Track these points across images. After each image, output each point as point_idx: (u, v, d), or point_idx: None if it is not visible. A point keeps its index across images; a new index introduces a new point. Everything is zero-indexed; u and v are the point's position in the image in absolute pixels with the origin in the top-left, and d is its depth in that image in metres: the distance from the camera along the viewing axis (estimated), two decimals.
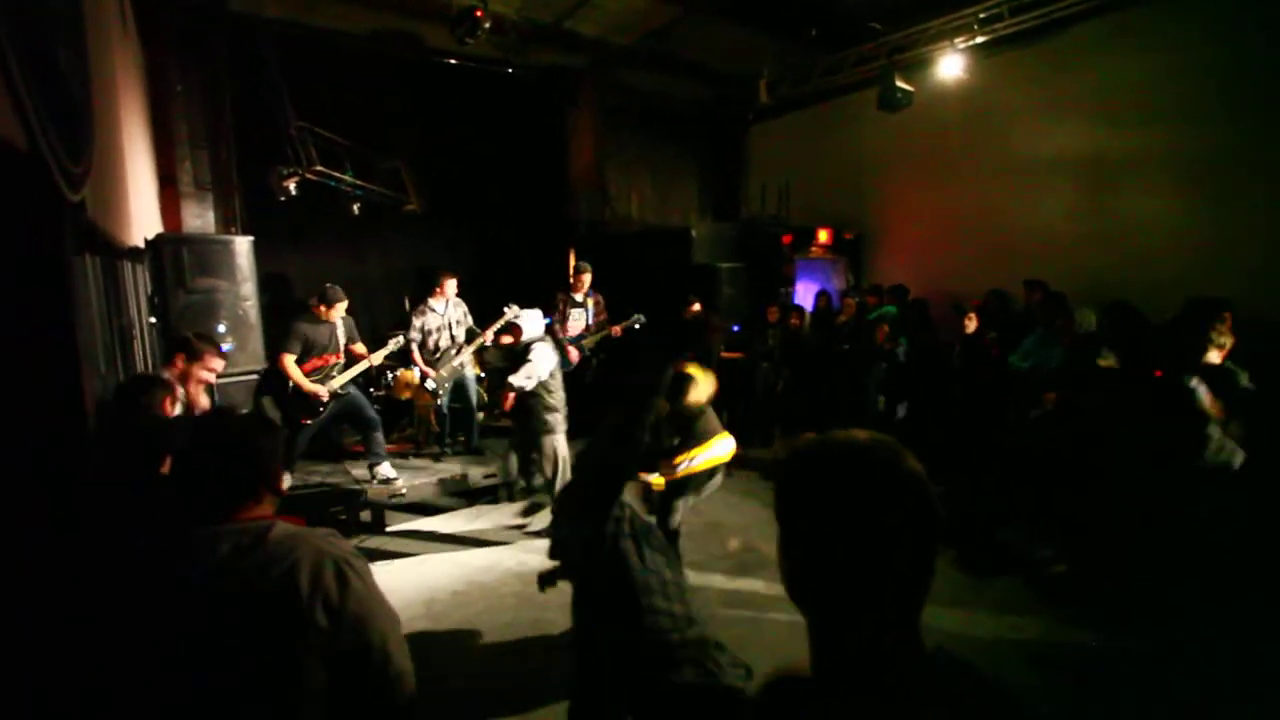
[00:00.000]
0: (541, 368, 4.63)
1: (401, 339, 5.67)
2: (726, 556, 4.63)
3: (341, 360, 5.20)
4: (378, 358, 5.39)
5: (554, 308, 6.41)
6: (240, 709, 1.21)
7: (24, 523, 1.49)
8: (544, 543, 4.59)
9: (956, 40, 6.39)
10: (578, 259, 8.55)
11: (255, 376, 4.83)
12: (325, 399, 5.02)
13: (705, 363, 5.16)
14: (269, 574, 1.19)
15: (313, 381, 4.99)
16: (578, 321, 6.50)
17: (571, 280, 6.52)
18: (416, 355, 5.75)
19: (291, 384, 4.95)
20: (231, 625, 1.18)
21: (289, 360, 4.92)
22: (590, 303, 6.56)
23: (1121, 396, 4.09)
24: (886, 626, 0.76)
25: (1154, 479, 3.76)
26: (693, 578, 4.25)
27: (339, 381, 5.11)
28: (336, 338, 5.16)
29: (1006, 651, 3.30)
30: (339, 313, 5.13)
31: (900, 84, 6.58)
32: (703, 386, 3.82)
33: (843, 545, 0.75)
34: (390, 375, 6.46)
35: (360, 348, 5.32)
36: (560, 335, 6.40)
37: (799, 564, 0.81)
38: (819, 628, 0.81)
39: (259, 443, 1.37)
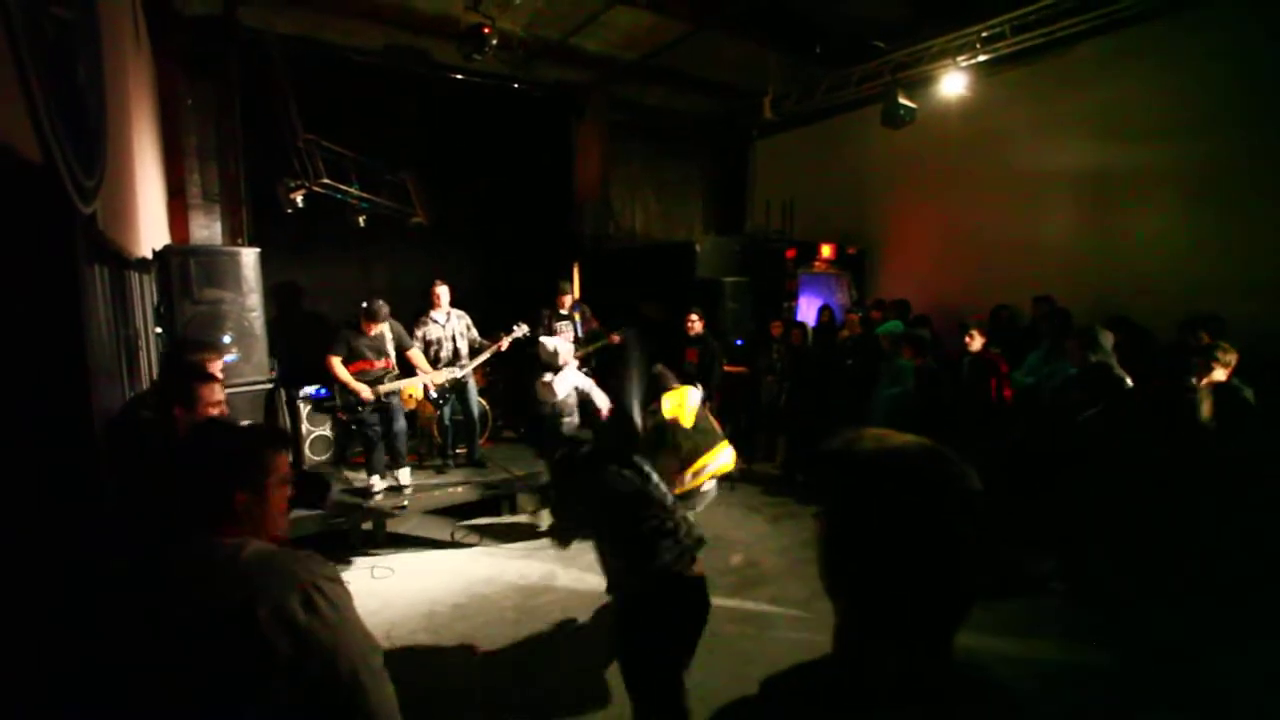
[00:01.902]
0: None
1: (419, 343, 5.73)
2: (729, 572, 4.61)
3: (394, 368, 5.27)
4: (440, 377, 5.54)
5: (540, 323, 6.49)
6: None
7: (31, 534, 1.49)
8: (545, 557, 4.58)
9: (959, 58, 6.43)
10: (582, 273, 8.61)
11: (265, 386, 4.84)
12: (368, 398, 5.05)
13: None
14: (234, 596, 1.15)
15: (359, 382, 5.06)
16: (566, 334, 6.59)
17: (556, 300, 6.69)
18: (422, 365, 5.76)
19: (337, 384, 5.03)
20: (193, 647, 1.14)
21: (335, 361, 5.01)
22: (576, 315, 6.65)
23: (1131, 410, 4.10)
24: (917, 630, 0.76)
25: (1155, 491, 3.76)
26: None
27: (387, 388, 5.17)
28: (386, 347, 5.24)
29: (1012, 670, 3.27)
30: (381, 328, 5.21)
31: (904, 101, 6.63)
32: (678, 402, 4.03)
33: (889, 546, 0.75)
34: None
35: (417, 356, 5.48)
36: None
37: (840, 557, 0.81)
38: (849, 621, 0.81)
39: (237, 459, 1.31)
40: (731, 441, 6.79)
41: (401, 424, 5.34)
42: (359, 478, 5.54)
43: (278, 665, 1.13)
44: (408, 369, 5.49)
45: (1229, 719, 2.92)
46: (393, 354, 5.29)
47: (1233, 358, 3.71)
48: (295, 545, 1.34)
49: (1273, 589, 3.25)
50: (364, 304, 5.18)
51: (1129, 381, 4.26)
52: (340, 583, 1.26)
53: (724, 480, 6.40)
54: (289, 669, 1.14)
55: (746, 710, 0.83)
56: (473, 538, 5.26)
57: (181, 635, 1.15)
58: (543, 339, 5.70)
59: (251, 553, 1.22)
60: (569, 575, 4.36)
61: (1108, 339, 4.61)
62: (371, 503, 5.10)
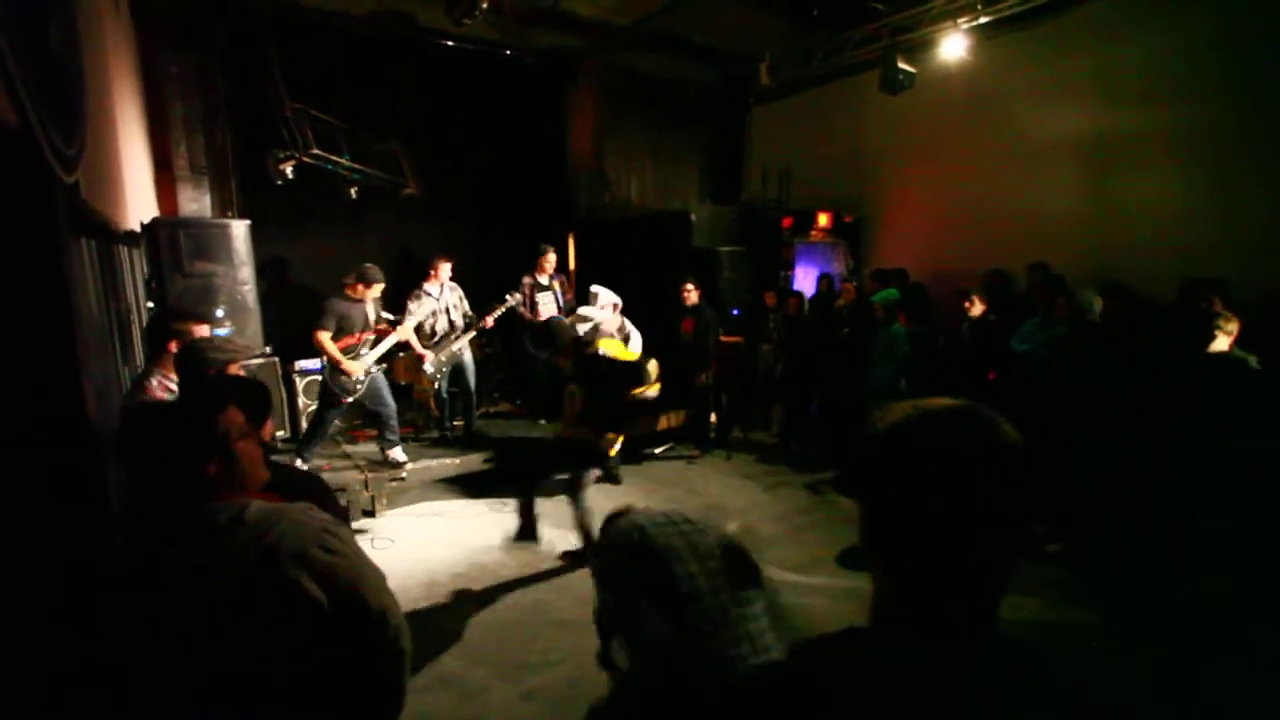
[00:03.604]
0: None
1: (413, 317, 5.67)
2: None
3: (371, 338, 5.18)
4: (406, 331, 5.37)
5: (519, 292, 6.32)
6: (241, 687, 1.20)
7: (22, 514, 1.48)
8: (544, 525, 4.61)
9: (960, 20, 6.31)
10: (577, 243, 8.49)
11: (258, 360, 4.81)
12: (360, 377, 5.00)
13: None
14: (249, 551, 1.18)
15: (349, 358, 4.98)
16: (548, 305, 6.41)
17: (537, 262, 6.38)
18: (413, 340, 5.74)
19: (327, 362, 4.93)
20: (217, 607, 1.17)
21: (324, 337, 4.88)
22: (556, 285, 6.48)
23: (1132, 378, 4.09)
24: (959, 606, 0.74)
25: (1154, 464, 3.77)
26: None
27: (371, 358, 5.09)
28: (369, 319, 5.15)
29: (1006, 628, 3.32)
30: (375, 294, 5.10)
31: (902, 65, 6.51)
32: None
33: (930, 514, 0.73)
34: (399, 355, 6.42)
35: (407, 330, 5.36)
36: (528, 319, 6.35)
37: (884, 529, 0.78)
38: (887, 595, 0.79)
39: (191, 432, 1.34)
40: (728, 410, 6.89)
41: (390, 398, 5.28)
42: (356, 450, 5.56)
43: (305, 607, 1.17)
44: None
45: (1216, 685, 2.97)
46: (372, 325, 5.19)
47: (1235, 326, 3.66)
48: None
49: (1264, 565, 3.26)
50: (363, 267, 5.06)
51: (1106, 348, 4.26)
52: (344, 525, 1.32)
53: (719, 449, 6.50)
54: (317, 609, 1.17)
55: (775, 674, 0.81)
56: (479, 505, 5.30)
57: (206, 598, 1.17)
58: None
59: (256, 510, 1.25)
60: (568, 543, 4.40)
61: (1097, 303, 4.59)
62: (371, 475, 5.12)
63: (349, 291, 5.05)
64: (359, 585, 1.25)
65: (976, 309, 5.23)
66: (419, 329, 5.76)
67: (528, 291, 6.32)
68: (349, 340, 5.03)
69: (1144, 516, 3.76)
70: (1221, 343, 3.63)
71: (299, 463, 5.03)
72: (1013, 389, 5.04)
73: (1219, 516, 3.40)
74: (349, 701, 1.29)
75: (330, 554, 1.23)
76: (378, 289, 5.10)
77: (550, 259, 6.38)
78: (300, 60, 6.33)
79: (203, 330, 3.00)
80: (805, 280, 7.90)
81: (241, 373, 2.57)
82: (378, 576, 1.31)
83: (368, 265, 5.06)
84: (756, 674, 0.81)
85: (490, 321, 5.76)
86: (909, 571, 0.76)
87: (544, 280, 6.38)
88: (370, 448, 5.60)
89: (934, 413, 0.77)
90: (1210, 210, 5.44)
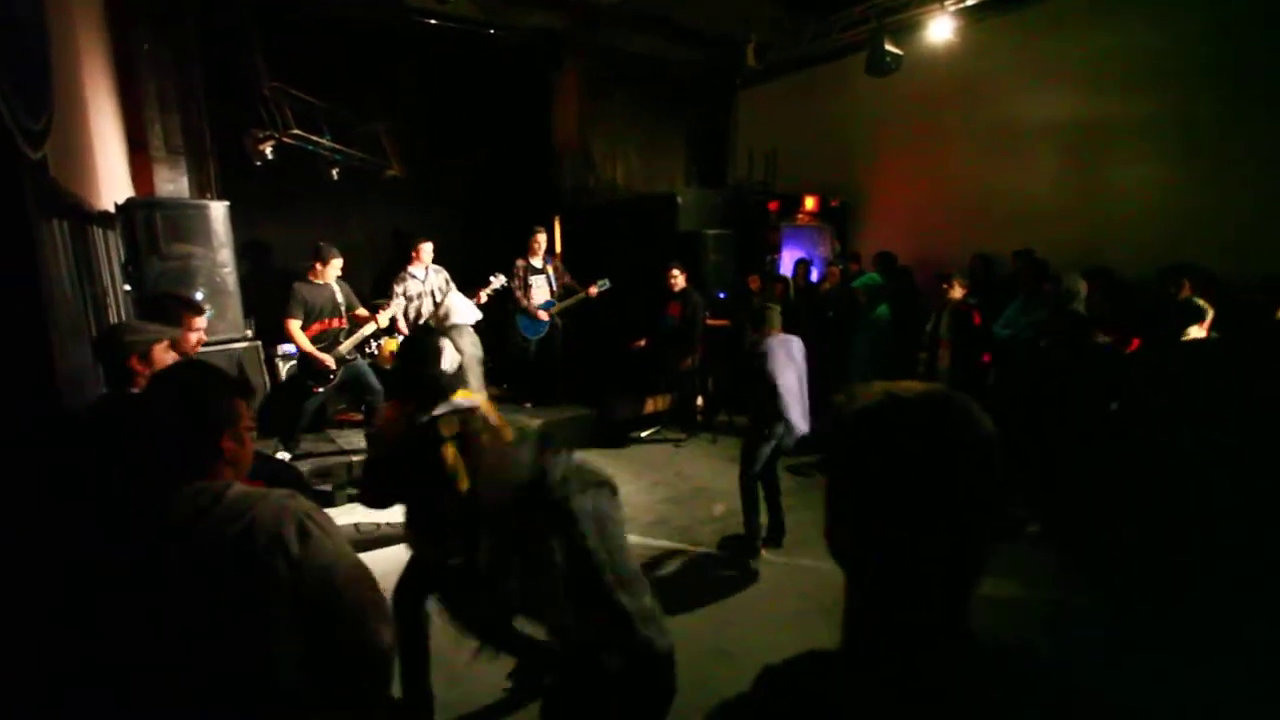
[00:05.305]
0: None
1: (400, 300, 5.60)
2: (711, 521, 4.69)
3: (345, 325, 5.11)
4: (384, 319, 5.25)
5: (513, 276, 6.27)
6: (214, 666, 1.21)
7: None
8: None
9: (946, 2, 6.28)
10: (562, 226, 8.42)
11: (239, 344, 4.74)
12: (333, 366, 4.94)
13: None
14: (227, 531, 1.20)
15: (319, 348, 4.91)
16: (541, 289, 6.36)
17: (528, 244, 6.32)
18: (400, 323, 5.70)
19: (298, 351, 4.87)
20: (194, 584, 1.19)
21: (294, 326, 4.82)
22: (550, 268, 6.44)
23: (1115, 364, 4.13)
24: (936, 599, 0.71)
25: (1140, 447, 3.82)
26: (679, 543, 4.31)
27: (346, 347, 5.03)
28: (337, 302, 5.07)
29: (984, 607, 3.37)
30: (335, 270, 5.02)
31: (889, 47, 6.48)
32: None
33: (901, 502, 0.69)
34: (375, 344, 6.38)
35: (363, 312, 5.26)
36: (523, 303, 6.31)
37: (848, 523, 0.75)
38: (858, 595, 0.75)
39: (223, 404, 1.35)
40: (714, 394, 6.91)
41: (376, 382, 5.23)
42: (342, 435, 5.52)
43: (278, 590, 1.20)
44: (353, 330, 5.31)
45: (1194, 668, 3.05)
46: (344, 312, 5.11)
47: (1209, 310, 3.73)
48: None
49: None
50: (317, 245, 5.03)
51: (1102, 335, 4.29)
52: (325, 513, 1.34)
53: (705, 433, 6.53)
54: (288, 592, 1.21)
55: (749, 709, 0.76)
56: None
57: (184, 574, 1.19)
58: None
59: (238, 491, 1.27)
60: None
61: (1082, 287, 4.63)
62: (358, 458, 5.08)
63: (311, 276, 4.99)
64: (334, 575, 1.27)
65: (956, 292, 5.23)
66: (404, 312, 5.71)
67: (521, 274, 6.29)
68: (320, 326, 4.96)
69: (1137, 509, 3.79)
70: (1197, 330, 3.69)
71: (282, 452, 4.99)
72: (996, 374, 5.09)
73: (1215, 512, 3.41)
74: (331, 692, 1.30)
75: (306, 538, 1.25)
76: (336, 265, 5.02)
77: (540, 240, 6.35)
78: (279, 38, 6.17)
79: (199, 322, 2.95)
80: (791, 264, 7.90)
81: (171, 355, 2.50)
82: (359, 569, 1.33)
83: (321, 243, 5.00)
84: (725, 710, 0.77)
85: (482, 298, 5.71)
86: (880, 565, 0.73)
87: (536, 263, 6.34)
88: (357, 431, 5.56)
89: (908, 397, 0.73)
90: (1196, 196, 5.48)
